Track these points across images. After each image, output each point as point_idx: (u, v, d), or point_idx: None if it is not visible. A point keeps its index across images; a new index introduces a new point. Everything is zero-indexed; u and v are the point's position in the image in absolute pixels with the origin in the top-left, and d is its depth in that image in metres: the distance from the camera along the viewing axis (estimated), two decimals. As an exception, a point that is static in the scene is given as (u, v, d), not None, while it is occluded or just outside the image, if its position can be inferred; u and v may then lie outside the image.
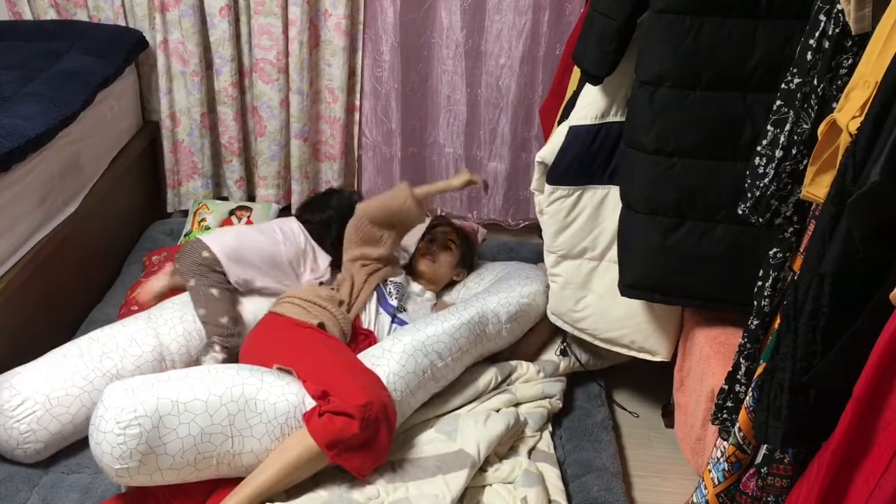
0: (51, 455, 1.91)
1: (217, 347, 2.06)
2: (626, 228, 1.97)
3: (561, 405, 2.20)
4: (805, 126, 1.43)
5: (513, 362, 2.23)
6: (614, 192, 2.06)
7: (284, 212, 3.02)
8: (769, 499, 1.47)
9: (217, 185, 3.10)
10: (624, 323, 2.14)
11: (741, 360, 1.62)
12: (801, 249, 1.47)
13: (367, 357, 1.98)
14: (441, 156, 3.04)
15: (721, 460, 1.62)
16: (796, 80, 1.46)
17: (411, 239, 2.55)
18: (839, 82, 1.35)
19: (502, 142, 2.97)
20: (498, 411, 2.06)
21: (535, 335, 2.34)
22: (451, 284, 2.54)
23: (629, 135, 1.91)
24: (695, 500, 1.71)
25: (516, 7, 2.75)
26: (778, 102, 1.50)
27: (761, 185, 1.52)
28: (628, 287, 1.99)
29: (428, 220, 2.56)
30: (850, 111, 1.20)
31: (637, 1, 1.80)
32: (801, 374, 1.24)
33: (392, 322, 2.22)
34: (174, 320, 2.11)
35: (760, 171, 1.52)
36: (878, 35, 1.20)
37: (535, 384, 2.19)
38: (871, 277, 1.15)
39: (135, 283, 2.48)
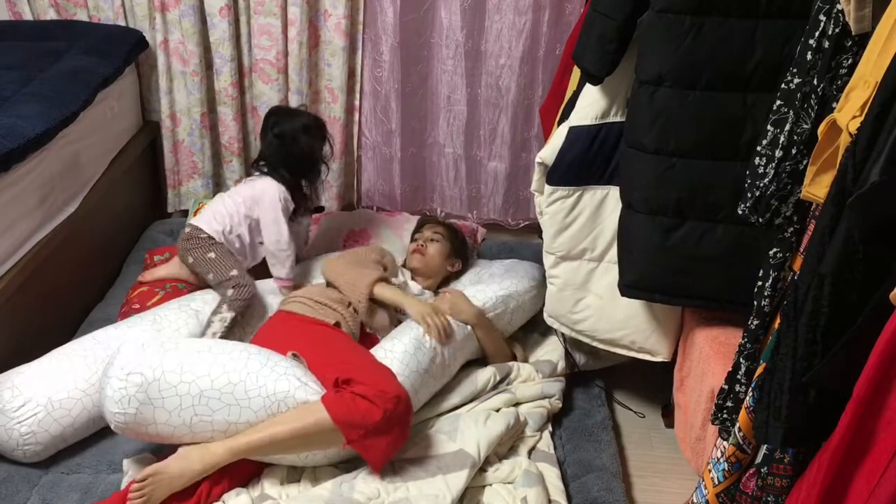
0: (50, 455, 1.91)
1: (225, 307, 2.14)
2: (627, 228, 1.97)
3: (560, 405, 2.20)
4: (805, 126, 1.43)
5: (510, 363, 2.24)
6: (614, 192, 2.06)
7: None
8: (769, 499, 1.47)
9: (217, 185, 3.10)
10: (624, 323, 2.14)
11: (741, 359, 1.61)
12: (801, 249, 1.47)
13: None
14: (441, 156, 3.05)
15: (721, 460, 1.62)
16: (796, 80, 1.46)
17: (403, 243, 2.61)
18: (839, 82, 1.35)
19: (502, 142, 2.97)
20: (498, 411, 2.06)
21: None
22: (448, 279, 2.54)
23: (629, 135, 1.91)
24: (695, 500, 1.71)
25: (516, 7, 2.75)
26: (778, 102, 1.50)
27: (761, 184, 1.52)
28: (628, 287, 1.99)
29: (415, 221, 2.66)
30: (850, 111, 1.20)
31: (637, 1, 1.81)
32: (801, 374, 1.24)
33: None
34: (178, 322, 2.12)
35: (760, 170, 1.52)
36: (878, 35, 1.20)
37: (534, 384, 2.20)
38: (871, 277, 1.15)
39: (135, 282, 2.48)
